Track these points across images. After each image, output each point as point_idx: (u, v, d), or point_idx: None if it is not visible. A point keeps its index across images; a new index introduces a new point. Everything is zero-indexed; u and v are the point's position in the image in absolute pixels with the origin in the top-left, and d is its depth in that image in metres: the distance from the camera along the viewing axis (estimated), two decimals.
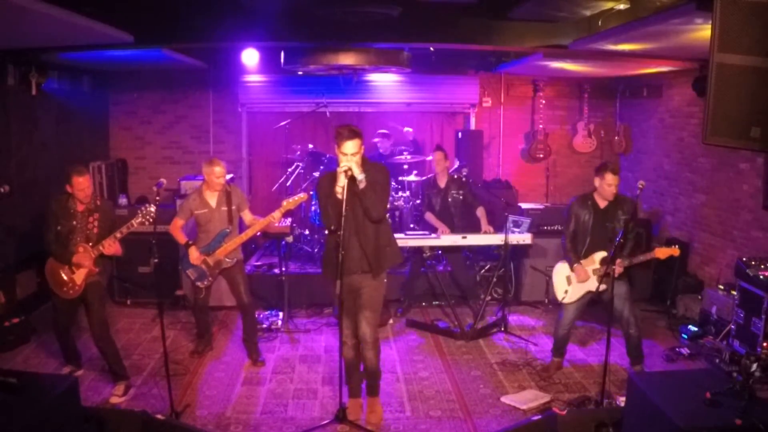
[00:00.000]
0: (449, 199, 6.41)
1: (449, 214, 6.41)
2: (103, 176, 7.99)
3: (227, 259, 5.30)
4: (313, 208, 7.36)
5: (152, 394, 4.76)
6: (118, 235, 4.60)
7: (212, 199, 5.31)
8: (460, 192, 6.40)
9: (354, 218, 4.05)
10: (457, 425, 4.40)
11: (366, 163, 4.11)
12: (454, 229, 6.35)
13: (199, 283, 5.31)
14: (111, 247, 4.64)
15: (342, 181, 3.90)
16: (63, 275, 4.67)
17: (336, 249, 3.97)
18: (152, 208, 4.49)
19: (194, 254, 5.20)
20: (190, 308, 5.90)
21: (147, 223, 4.51)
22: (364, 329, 4.19)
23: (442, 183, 6.44)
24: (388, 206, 7.11)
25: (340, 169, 3.91)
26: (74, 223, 4.65)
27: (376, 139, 8.05)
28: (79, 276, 4.66)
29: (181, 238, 5.30)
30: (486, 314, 6.46)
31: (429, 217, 6.52)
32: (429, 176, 6.62)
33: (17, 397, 3.26)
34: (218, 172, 5.21)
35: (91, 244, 4.64)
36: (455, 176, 6.48)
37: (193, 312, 5.73)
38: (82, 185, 4.57)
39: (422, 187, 6.75)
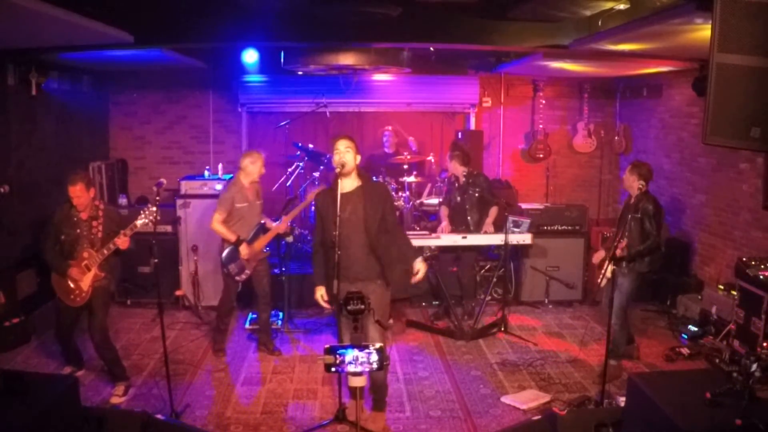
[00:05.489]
0: (465, 196, 6.43)
1: (464, 211, 6.43)
2: (103, 176, 7.99)
3: (264, 251, 5.46)
4: (312, 209, 7.35)
5: (152, 394, 4.76)
6: (129, 231, 4.56)
7: (248, 192, 5.39)
8: (476, 190, 6.40)
9: (348, 224, 4.08)
10: (457, 425, 4.40)
11: (368, 180, 4.27)
12: (467, 226, 6.39)
13: (238, 278, 5.39)
14: (123, 242, 4.57)
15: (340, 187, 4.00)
16: (69, 283, 4.66)
17: (332, 250, 4.00)
18: (154, 208, 4.48)
19: (246, 250, 5.27)
20: (218, 304, 5.75)
21: (150, 223, 4.49)
22: (373, 335, 4.13)
23: (461, 179, 6.47)
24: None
25: (335, 162, 4.07)
26: (78, 231, 4.63)
27: (387, 129, 8.13)
28: (86, 282, 4.64)
29: (231, 235, 5.25)
30: (486, 314, 6.46)
31: (442, 211, 6.62)
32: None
33: (17, 397, 3.26)
34: (263, 165, 5.43)
35: (95, 249, 4.63)
36: (473, 174, 6.48)
37: (223, 309, 5.58)
38: (75, 194, 4.53)
39: (446, 182, 6.88)
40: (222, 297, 5.64)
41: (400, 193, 7.50)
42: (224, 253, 5.33)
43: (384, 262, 4.20)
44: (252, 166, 5.35)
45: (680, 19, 4.11)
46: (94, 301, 4.70)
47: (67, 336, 4.93)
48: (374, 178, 4.55)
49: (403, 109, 8.75)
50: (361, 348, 3.63)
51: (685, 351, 5.55)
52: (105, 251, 4.59)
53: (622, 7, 4.72)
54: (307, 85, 8.17)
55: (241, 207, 5.32)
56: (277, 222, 5.59)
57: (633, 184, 5.06)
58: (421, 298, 7.06)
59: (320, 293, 4.25)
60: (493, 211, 6.42)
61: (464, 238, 6.21)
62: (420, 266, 4.30)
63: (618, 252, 4.82)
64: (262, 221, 5.53)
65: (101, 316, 4.74)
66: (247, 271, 5.38)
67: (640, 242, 4.97)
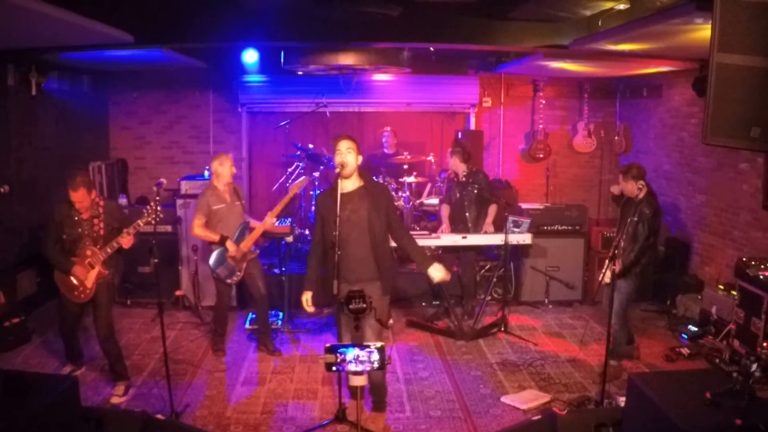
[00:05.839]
0: (464, 192, 6.44)
1: (462, 207, 6.44)
2: (103, 176, 7.98)
3: (252, 251, 5.44)
4: (312, 208, 7.36)
5: (152, 394, 4.76)
6: (132, 231, 4.56)
7: (224, 194, 5.41)
8: (475, 186, 6.40)
9: (348, 224, 4.08)
10: (457, 425, 4.40)
11: (369, 181, 4.28)
12: (465, 223, 6.39)
13: (229, 280, 5.39)
14: (127, 241, 4.57)
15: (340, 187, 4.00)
16: (73, 280, 4.66)
17: (332, 250, 4.00)
18: (158, 207, 4.47)
19: (233, 246, 5.27)
20: (214, 309, 5.81)
21: (154, 221, 4.48)
22: (369, 336, 4.13)
23: (461, 176, 6.47)
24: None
25: (336, 163, 4.08)
26: (80, 230, 4.62)
27: (386, 130, 8.12)
28: (90, 280, 4.64)
29: (214, 235, 5.27)
30: (486, 314, 6.46)
31: (442, 210, 6.61)
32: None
33: (17, 397, 3.26)
34: (232, 165, 5.44)
35: (98, 246, 4.62)
36: (473, 172, 6.47)
37: (219, 313, 5.65)
38: (77, 198, 4.52)
39: (446, 179, 6.87)
40: (216, 302, 5.68)
41: (400, 193, 7.50)
42: (211, 258, 5.34)
43: (383, 264, 4.19)
44: (221, 168, 5.38)
45: (680, 19, 4.11)
46: (99, 296, 4.70)
47: (70, 331, 4.94)
48: (374, 179, 4.57)
49: (403, 109, 8.76)
50: (362, 347, 3.63)
51: (685, 351, 5.55)
52: (108, 249, 4.59)
53: (622, 7, 4.72)
54: (307, 85, 8.17)
55: (219, 209, 5.34)
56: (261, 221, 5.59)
57: (633, 188, 5.02)
58: (421, 298, 7.06)
59: (306, 297, 4.25)
60: (492, 210, 6.41)
61: (464, 238, 6.21)
62: (435, 273, 4.21)
63: (617, 269, 4.78)
64: (247, 221, 5.54)
65: (106, 310, 4.75)
66: (238, 273, 5.36)
67: (633, 246, 4.95)
